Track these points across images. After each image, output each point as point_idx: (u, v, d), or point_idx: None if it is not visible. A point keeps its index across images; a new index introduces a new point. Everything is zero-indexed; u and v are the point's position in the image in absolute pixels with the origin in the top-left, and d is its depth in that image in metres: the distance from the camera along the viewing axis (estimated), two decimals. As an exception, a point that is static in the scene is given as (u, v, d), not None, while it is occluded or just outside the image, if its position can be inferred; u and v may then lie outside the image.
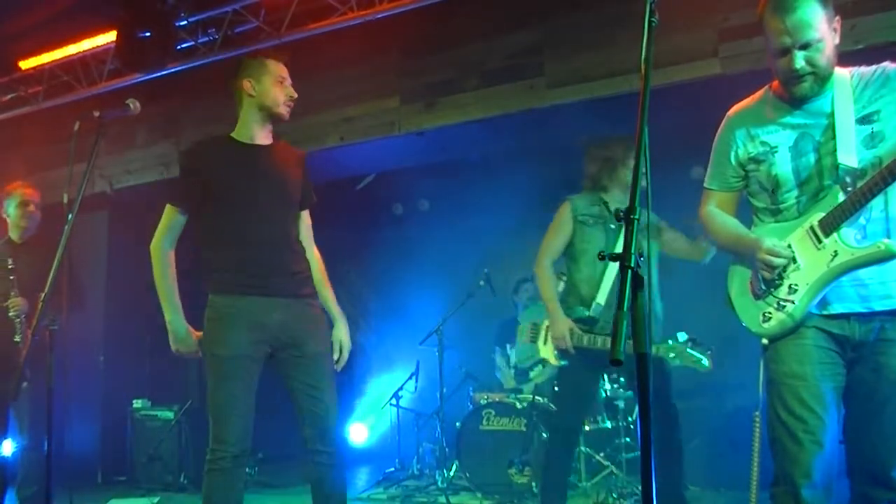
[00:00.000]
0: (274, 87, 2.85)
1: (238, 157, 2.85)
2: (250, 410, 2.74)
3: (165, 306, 2.80)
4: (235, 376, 2.71)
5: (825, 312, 2.17)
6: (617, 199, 3.51)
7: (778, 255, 2.19)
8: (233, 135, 2.91)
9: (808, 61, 2.12)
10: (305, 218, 3.03)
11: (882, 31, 3.75)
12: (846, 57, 2.25)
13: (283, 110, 2.88)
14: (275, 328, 2.77)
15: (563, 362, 3.47)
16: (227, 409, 2.69)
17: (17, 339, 4.02)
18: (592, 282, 3.42)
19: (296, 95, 2.92)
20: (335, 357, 2.92)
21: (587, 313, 3.38)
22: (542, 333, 3.76)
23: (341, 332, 2.95)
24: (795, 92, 2.19)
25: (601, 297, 3.38)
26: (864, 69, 2.22)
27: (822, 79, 2.16)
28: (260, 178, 2.83)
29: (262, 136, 2.90)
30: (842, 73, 2.21)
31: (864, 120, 2.16)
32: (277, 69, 2.88)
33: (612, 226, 3.47)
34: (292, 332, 2.79)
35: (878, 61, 2.22)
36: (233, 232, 2.80)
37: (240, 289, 2.76)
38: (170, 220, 2.84)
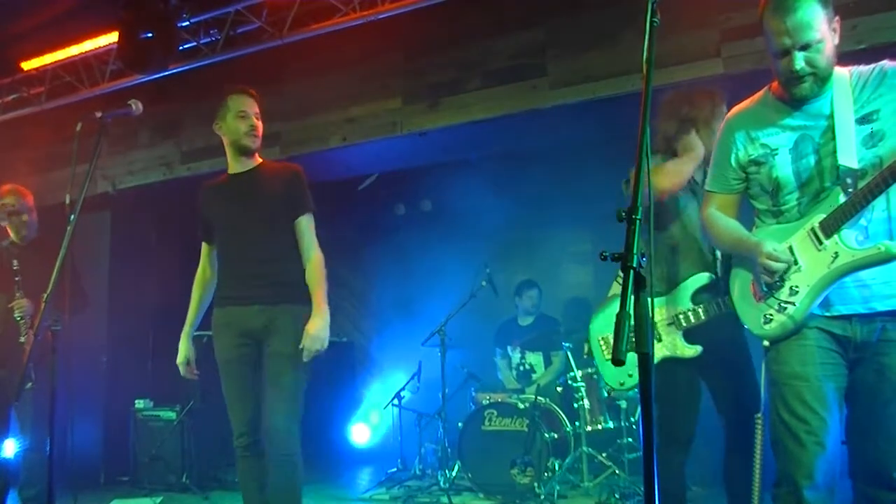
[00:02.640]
0: (235, 122, 3.10)
1: (222, 188, 3.19)
2: (248, 406, 3.03)
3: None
4: (228, 377, 3.07)
5: (828, 314, 2.17)
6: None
7: (778, 260, 2.19)
8: (228, 169, 3.23)
9: (809, 62, 2.12)
10: (301, 225, 3.13)
11: (884, 30, 3.75)
12: (848, 57, 2.25)
13: (247, 141, 3.12)
14: (258, 333, 3.04)
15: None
16: (228, 406, 3.07)
17: (22, 339, 4.03)
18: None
19: (256, 124, 3.13)
20: (300, 346, 2.92)
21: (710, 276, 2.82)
22: None
23: (310, 324, 2.95)
24: (796, 93, 2.18)
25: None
26: (862, 68, 2.22)
27: (822, 79, 2.16)
28: (236, 203, 3.11)
29: (241, 166, 3.17)
30: (841, 73, 2.21)
31: (863, 119, 2.16)
32: (236, 104, 3.12)
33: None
34: (267, 334, 3.03)
35: (879, 61, 2.22)
36: (221, 254, 3.18)
37: (226, 301, 3.11)
38: (203, 251, 3.29)
